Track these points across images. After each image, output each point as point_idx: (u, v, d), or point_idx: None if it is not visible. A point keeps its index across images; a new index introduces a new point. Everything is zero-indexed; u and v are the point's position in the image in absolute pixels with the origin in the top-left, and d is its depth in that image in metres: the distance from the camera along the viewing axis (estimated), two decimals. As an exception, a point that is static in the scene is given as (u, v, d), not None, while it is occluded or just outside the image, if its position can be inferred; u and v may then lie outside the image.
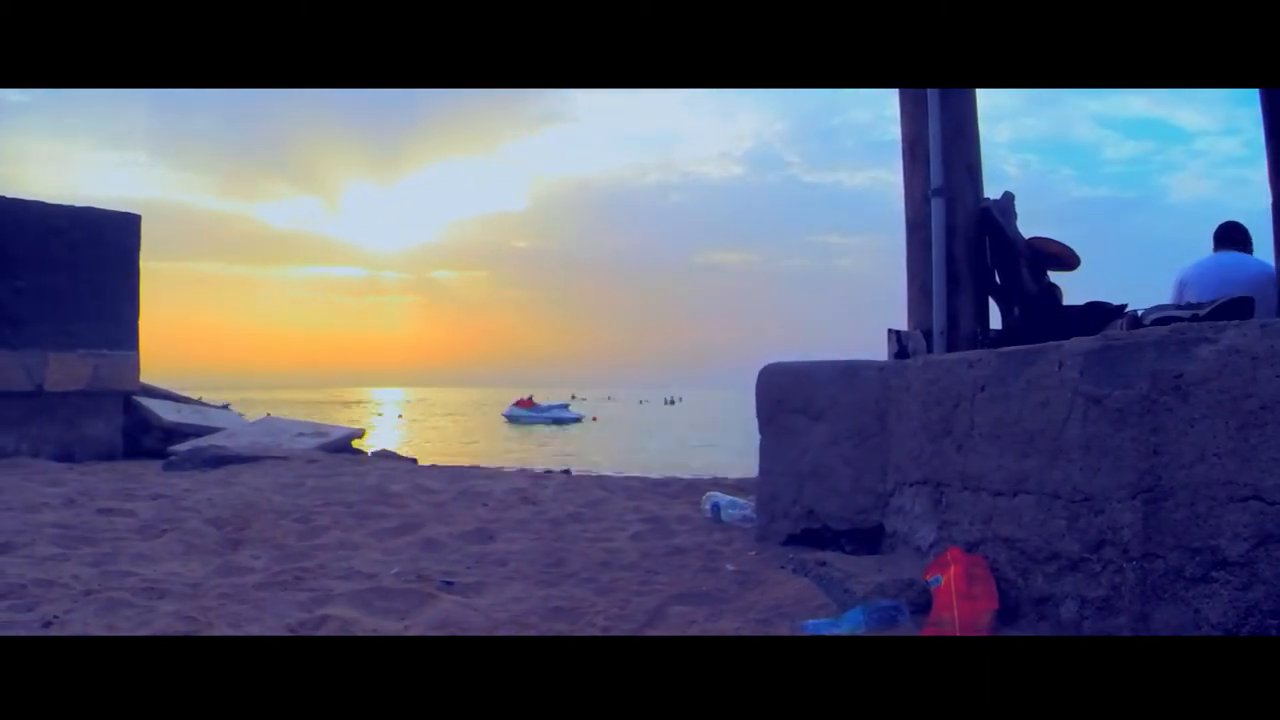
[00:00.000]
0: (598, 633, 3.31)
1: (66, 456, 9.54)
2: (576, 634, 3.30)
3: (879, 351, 4.86)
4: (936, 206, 4.51)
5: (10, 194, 9.91)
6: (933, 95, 4.51)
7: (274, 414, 13.71)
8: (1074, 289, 4.46)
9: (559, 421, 57.00)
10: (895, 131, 4.91)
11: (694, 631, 3.29)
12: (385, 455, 10.83)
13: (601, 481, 8.03)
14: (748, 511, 5.30)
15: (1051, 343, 3.04)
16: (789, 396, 4.69)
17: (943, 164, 4.51)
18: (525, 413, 59.52)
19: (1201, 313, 3.20)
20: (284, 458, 8.91)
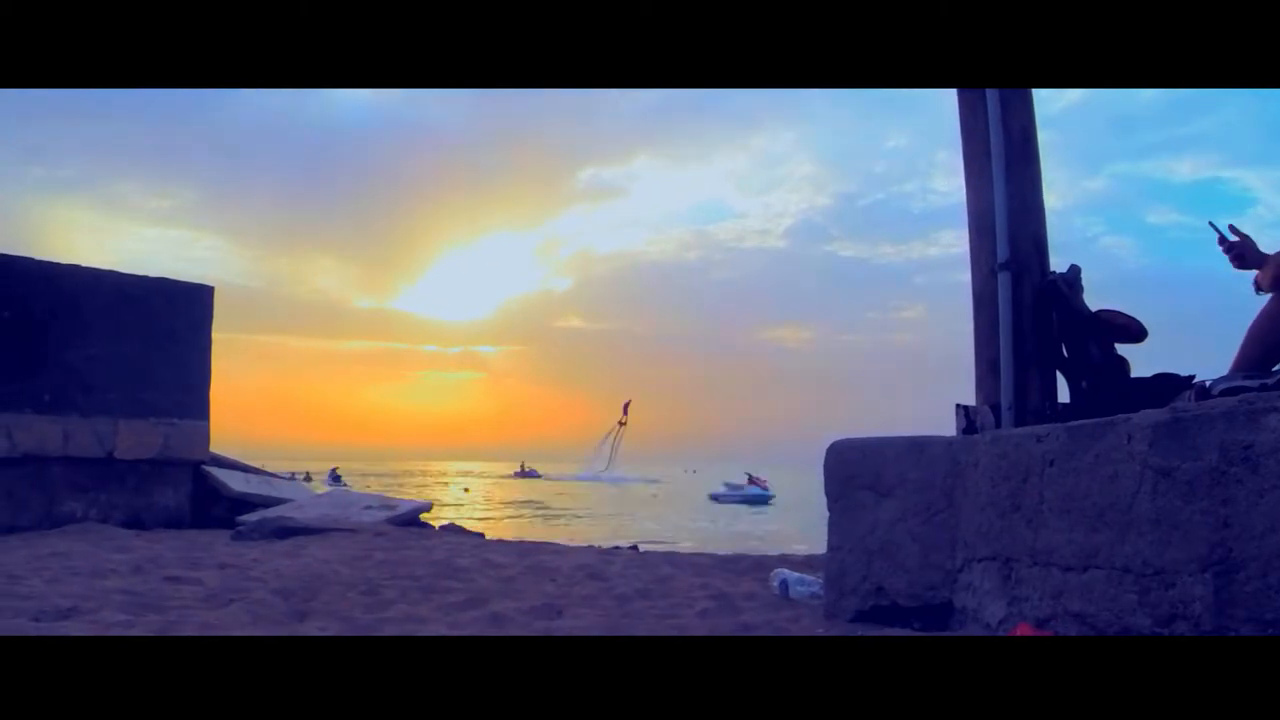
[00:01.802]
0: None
1: (135, 523, 9.69)
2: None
3: (938, 426, 4.84)
4: (1003, 281, 4.49)
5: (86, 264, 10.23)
6: (998, 169, 4.52)
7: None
8: (1141, 361, 4.41)
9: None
10: (936, 203, 4.93)
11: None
12: (453, 529, 10.87)
13: (669, 558, 7.99)
14: (816, 589, 5.26)
15: (1120, 416, 3.01)
16: (858, 472, 4.66)
17: (1009, 238, 4.50)
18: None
19: (1270, 381, 3.16)
20: (352, 530, 8.98)
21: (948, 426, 4.78)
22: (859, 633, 4.23)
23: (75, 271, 10.01)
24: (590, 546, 9.63)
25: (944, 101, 4.85)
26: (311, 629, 4.49)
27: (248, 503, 10.55)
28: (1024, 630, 3.32)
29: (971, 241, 4.73)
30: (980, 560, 3.97)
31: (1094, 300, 4.54)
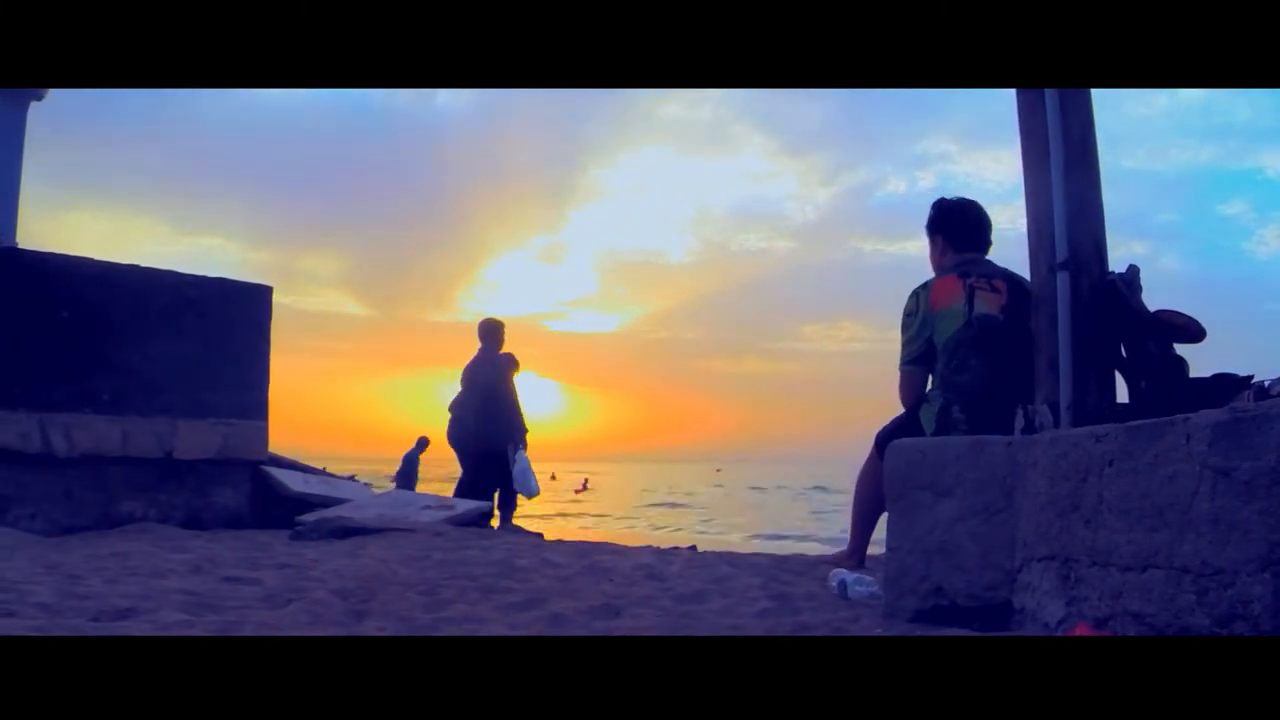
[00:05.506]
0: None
1: (194, 523, 9.76)
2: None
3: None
4: (1062, 281, 4.47)
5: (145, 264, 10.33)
6: (1056, 170, 4.49)
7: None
8: (1201, 361, 4.37)
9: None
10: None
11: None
12: (511, 529, 10.89)
13: (727, 558, 7.98)
14: (875, 589, 5.25)
15: (1179, 415, 3.00)
16: (916, 473, 4.65)
17: (1067, 238, 4.48)
18: None
19: (1330, 381, 3.14)
20: (410, 530, 9.02)
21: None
22: (918, 633, 4.23)
23: (133, 272, 10.07)
24: (648, 547, 9.63)
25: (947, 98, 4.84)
26: (370, 629, 4.52)
27: (306, 502, 10.57)
28: (1083, 630, 3.31)
29: (1030, 241, 4.72)
30: (1039, 560, 3.95)
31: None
